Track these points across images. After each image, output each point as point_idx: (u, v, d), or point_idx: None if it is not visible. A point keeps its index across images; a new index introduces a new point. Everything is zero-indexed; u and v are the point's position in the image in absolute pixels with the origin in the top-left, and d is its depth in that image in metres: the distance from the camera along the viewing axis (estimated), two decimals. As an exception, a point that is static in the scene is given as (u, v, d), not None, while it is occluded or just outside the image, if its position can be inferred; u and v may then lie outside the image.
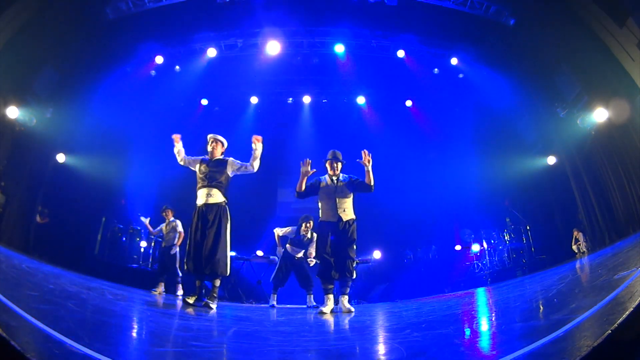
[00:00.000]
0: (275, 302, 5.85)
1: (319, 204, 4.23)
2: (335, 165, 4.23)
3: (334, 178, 4.22)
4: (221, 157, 4.31)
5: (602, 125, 7.20)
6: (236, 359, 1.52)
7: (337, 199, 4.12)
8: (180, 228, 6.64)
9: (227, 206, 4.16)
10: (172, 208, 6.85)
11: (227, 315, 3.58)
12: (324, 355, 1.63)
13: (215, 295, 3.99)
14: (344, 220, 4.08)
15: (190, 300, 3.93)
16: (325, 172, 4.32)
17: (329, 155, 4.29)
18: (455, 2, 7.67)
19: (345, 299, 3.99)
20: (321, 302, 4.50)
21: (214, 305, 3.84)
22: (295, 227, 6.06)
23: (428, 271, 9.32)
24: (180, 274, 6.49)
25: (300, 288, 6.12)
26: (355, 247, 4.11)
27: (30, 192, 7.25)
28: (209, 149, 4.28)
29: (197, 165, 4.24)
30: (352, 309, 3.89)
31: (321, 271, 4.07)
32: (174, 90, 9.61)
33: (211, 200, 4.06)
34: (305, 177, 4.15)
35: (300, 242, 6.00)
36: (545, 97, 8.41)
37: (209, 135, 4.37)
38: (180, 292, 6.34)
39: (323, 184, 4.22)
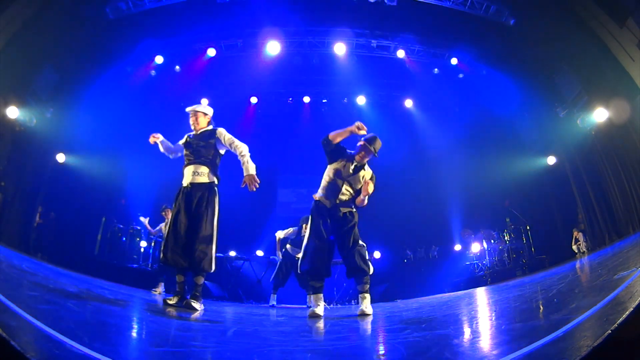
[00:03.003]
0: (275, 302, 5.87)
1: (323, 177, 3.52)
2: (366, 154, 3.38)
3: (358, 165, 3.44)
4: (207, 127, 3.63)
5: (602, 125, 7.20)
6: (236, 358, 1.52)
7: (345, 185, 3.41)
8: None
9: (217, 188, 3.46)
10: (172, 208, 6.85)
11: (227, 315, 3.58)
12: (324, 355, 1.63)
13: (198, 293, 3.31)
14: (342, 211, 3.42)
15: (171, 301, 3.28)
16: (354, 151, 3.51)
17: (371, 141, 3.36)
18: (455, 2, 7.67)
19: (367, 300, 3.27)
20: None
21: (198, 306, 3.18)
22: (296, 228, 6.10)
23: (428, 271, 9.32)
24: None
25: (301, 288, 6.13)
26: (362, 242, 3.43)
27: (30, 192, 7.25)
28: (190, 123, 3.64)
29: (183, 144, 3.65)
30: (371, 311, 3.21)
31: (312, 264, 3.25)
32: (174, 90, 9.61)
33: (199, 180, 3.40)
34: (348, 135, 3.34)
35: (300, 242, 6.01)
36: (545, 97, 8.42)
37: (187, 109, 3.72)
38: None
39: (344, 161, 3.44)
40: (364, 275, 3.31)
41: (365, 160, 3.46)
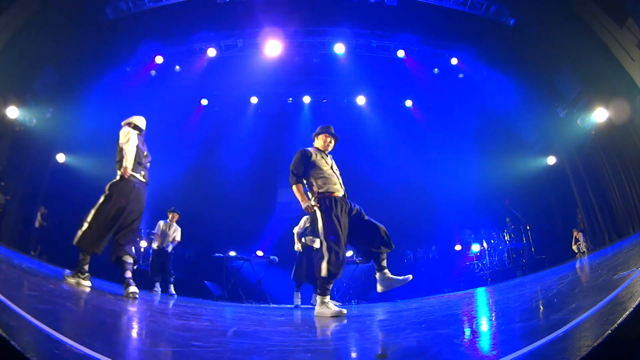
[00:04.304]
0: (299, 302, 5.56)
1: (312, 176, 3.40)
2: (331, 140, 3.62)
3: (327, 156, 3.59)
4: None
5: (602, 125, 7.20)
6: (236, 359, 1.52)
7: (335, 171, 3.49)
8: (178, 234, 6.71)
9: (115, 179, 3.78)
10: (180, 213, 6.87)
11: (227, 315, 3.58)
12: (324, 355, 1.63)
13: (78, 270, 3.47)
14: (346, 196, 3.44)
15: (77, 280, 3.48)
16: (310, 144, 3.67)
17: (324, 129, 3.62)
18: (455, 2, 7.67)
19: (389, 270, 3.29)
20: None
21: (72, 280, 3.40)
22: (308, 217, 5.96)
23: (428, 271, 9.32)
24: (173, 274, 6.58)
25: (308, 283, 5.80)
26: None
27: (30, 192, 7.25)
28: None
29: None
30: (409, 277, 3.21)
31: (329, 264, 3.04)
32: (174, 90, 9.61)
33: None
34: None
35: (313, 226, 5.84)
36: (545, 97, 8.42)
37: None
38: (172, 291, 6.40)
39: (314, 156, 3.47)
40: (388, 249, 3.27)
41: (331, 148, 3.63)
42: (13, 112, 6.57)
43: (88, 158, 8.23)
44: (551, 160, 8.89)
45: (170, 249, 6.62)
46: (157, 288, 6.26)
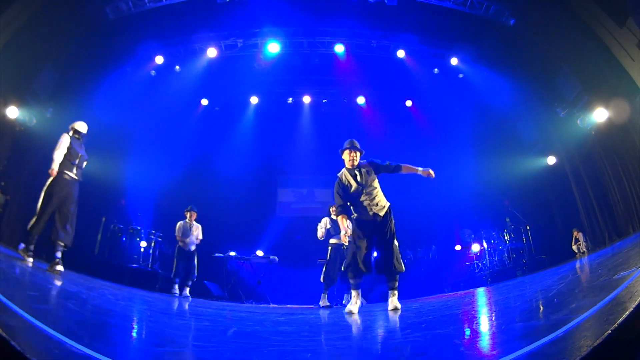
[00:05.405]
0: (327, 303, 5.54)
1: (349, 203, 3.82)
2: (354, 155, 3.77)
3: (356, 171, 3.77)
4: None
5: (602, 125, 7.20)
6: (236, 359, 1.52)
7: (366, 195, 3.72)
8: (200, 232, 6.72)
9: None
10: (197, 211, 6.81)
11: (227, 315, 3.58)
12: (324, 355, 1.63)
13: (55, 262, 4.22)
14: (381, 215, 3.75)
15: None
16: (342, 165, 3.86)
17: (347, 144, 3.80)
18: (455, 2, 7.67)
19: (394, 296, 3.67)
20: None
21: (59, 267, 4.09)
22: (326, 217, 5.94)
23: (428, 271, 9.31)
24: (195, 277, 6.55)
25: (320, 282, 5.76)
26: (396, 241, 3.92)
27: (30, 192, 7.24)
28: None
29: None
30: (399, 306, 3.58)
31: (351, 262, 3.70)
32: (174, 90, 9.61)
33: None
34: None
35: (337, 226, 5.83)
36: (545, 97, 8.42)
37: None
38: (187, 292, 6.36)
39: (344, 180, 3.76)
40: (396, 273, 3.72)
41: (356, 162, 3.76)
42: (13, 112, 6.57)
43: (88, 158, 8.21)
44: (551, 160, 8.88)
45: (193, 248, 6.54)
46: (176, 290, 6.21)
